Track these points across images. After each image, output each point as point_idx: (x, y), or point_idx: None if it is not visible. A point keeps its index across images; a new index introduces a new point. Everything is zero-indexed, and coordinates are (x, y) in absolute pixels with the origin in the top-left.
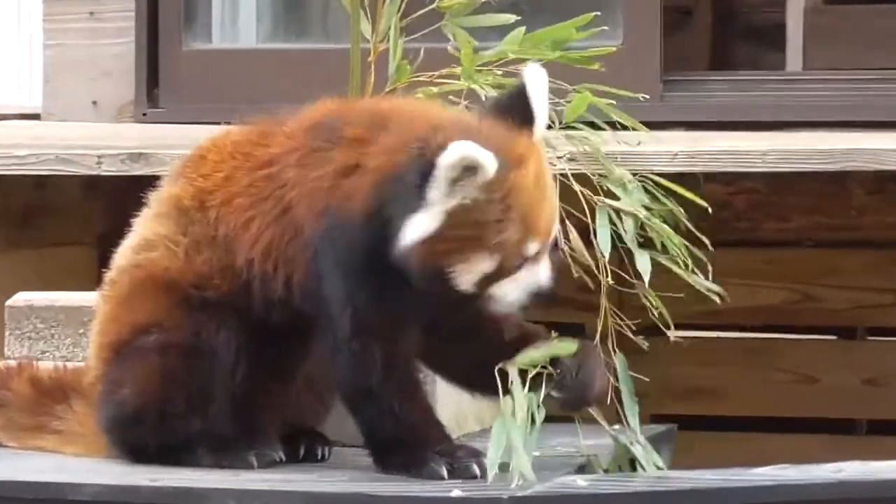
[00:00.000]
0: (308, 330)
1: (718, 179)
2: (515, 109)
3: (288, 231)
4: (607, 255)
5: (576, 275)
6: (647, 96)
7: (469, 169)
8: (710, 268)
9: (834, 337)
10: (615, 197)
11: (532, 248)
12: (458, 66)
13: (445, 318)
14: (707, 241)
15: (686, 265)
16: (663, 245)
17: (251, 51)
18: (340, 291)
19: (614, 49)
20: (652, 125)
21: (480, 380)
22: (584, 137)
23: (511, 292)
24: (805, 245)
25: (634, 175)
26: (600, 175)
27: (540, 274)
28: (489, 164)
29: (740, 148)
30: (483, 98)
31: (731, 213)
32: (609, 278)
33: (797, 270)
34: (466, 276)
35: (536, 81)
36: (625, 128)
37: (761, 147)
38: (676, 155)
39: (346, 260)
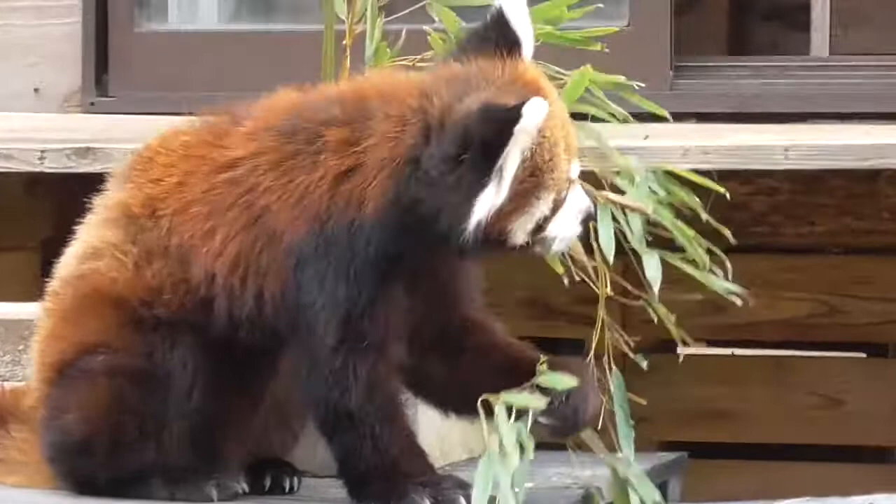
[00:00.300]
0: (277, 349)
1: (735, 178)
2: (496, 38)
3: (260, 240)
4: (611, 259)
5: (577, 279)
6: (643, 84)
7: (536, 127)
8: (729, 266)
9: (863, 354)
10: (619, 191)
11: (575, 168)
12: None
13: (438, 323)
14: (728, 233)
15: (703, 265)
16: (675, 244)
17: (212, 33)
18: (330, 299)
19: (617, 29)
20: (661, 116)
21: (463, 403)
22: (584, 123)
23: (565, 227)
24: (831, 252)
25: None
26: (603, 166)
27: (581, 197)
28: (544, 112)
29: (760, 143)
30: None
31: (750, 215)
32: (608, 288)
33: (823, 280)
34: (525, 227)
35: (515, 7)
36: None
37: (783, 142)
38: (688, 150)
39: (350, 263)
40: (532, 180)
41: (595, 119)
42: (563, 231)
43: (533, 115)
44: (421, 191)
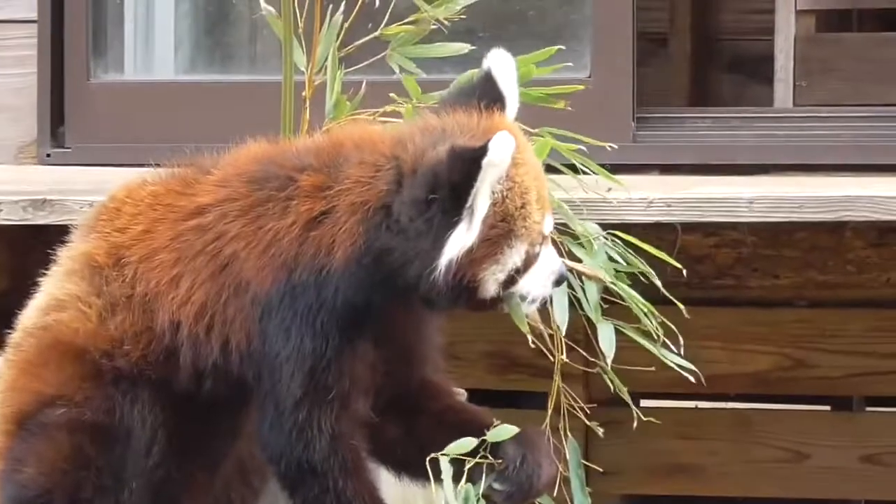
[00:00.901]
0: (240, 404)
1: (699, 230)
2: (483, 96)
3: (227, 288)
4: (564, 328)
5: (532, 345)
6: (615, 146)
7: (503, 161)
8: (681, 341)
9: (828, 408)
10: (576, 258)
11: (548, 223)
12: (404, 102)
13: (398, 383)
14: (683, 308)
15: (657, 336)
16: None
17: (169, 84)
18: (295, 350)
19: (581, 87)
20: (624, 168)
21: (418, 466)
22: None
23: (536, 285)
24: (797, 305)
25: (604, 228)
26: (561, 230)
27: (554, 257)
28: (511, 150)
29: (724, 195)
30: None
31: (714, 268)
32: (563, 354)
33: (788, 333)
34: (496, 276)
35: (502, 65)
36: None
37: (747, 194)
38: (651, 203)
39: (318, 314)
40: (503, 226)
41: (556, 171)
42: (535, 289)
43: (500, 149)
44: (391, 240)
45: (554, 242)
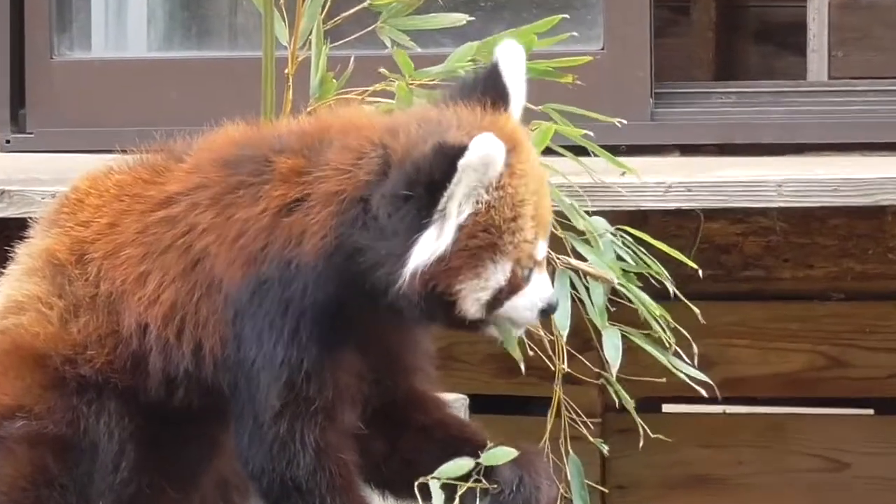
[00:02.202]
0: (218, 415)
1: (724, 217)
2: (487, 90)
3: (199, 287)
4: (565, 334)
5: (530, 353)
6: (624, 121)
7: (485, 169)
8: (696, 350)
9: (870, 411)
10: (580, 256)
11: (542, 248)
12: (396, 80)
13: (382, 394)
14: (698, 312)
15: (668, 344)
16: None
17: (141, 61)
18: (272, 356)
19: (590, 58)
20: (641, 150)
21: (403, 485)
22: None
23: (522, 309)
24: (833, 298)
25: (616, 216)
26: (564, 224)
27: (546, 285)
28: (501, 154)
29: (751, 177)
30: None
31: (741, 258)
32: (565, 362)
33: (823, 329)
34: (476, 294)
35: (511, 58)
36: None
37: (777, 176)
38: (670, 187)
39: (286, 315)
40: (485, 237)
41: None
42: (520, 315)
43: (481, 151)
44: (365, 238)
45: (554, 238)
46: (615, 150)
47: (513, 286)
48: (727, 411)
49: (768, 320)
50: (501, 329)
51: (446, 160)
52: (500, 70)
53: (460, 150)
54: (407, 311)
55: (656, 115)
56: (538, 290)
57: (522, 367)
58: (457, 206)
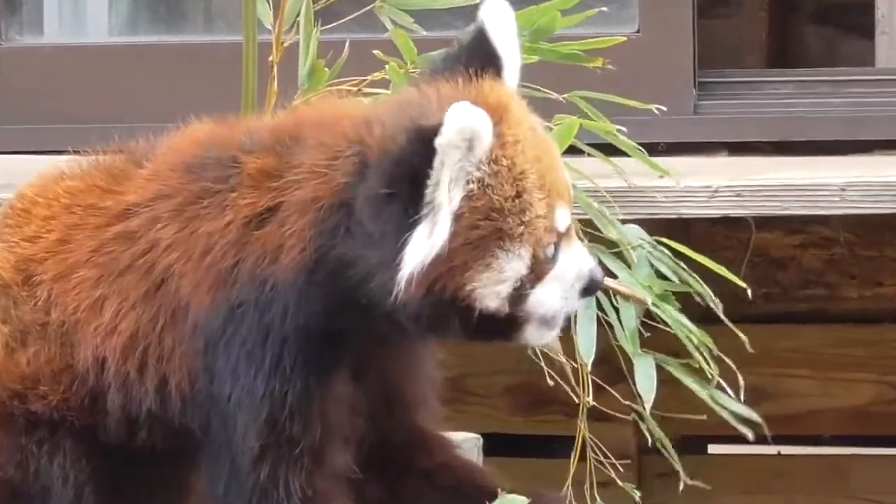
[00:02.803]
0: (189, 456)
1: (779, 226)
2: (473, 58)
3: (163, 314)
4: (590, 363)
5: (550, 383)
6: (664, 108)
7: (469, 144)
8: (742, 382)
9: None
10: (611, 273)
11: (562, 217)
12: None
13: (380, 432)
14: (746, 341)
15: (710, 375)
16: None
17: (101, 48)
18: (251, 390)
19: (623, 38)
20: (682, 148)
21: None
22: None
23: (556, 297)
24: None
25: (654, 225)
26: (590, 234)
27: (580, 256)
28: (486, 124)
29: (809, 180)
30: None
31: (799, 274)
32: (590, 396)
33: (892, 357)
34: (494, 289)
35: (498, 19)
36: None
37: (839, 179)
38: (716, 191)
39: (267, 343)
40: (488, 224)
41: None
42: (554, 305)
43: (456, 124)
44: (351, 248)
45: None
46: (653, 149)
47: (538, 272)
48: (782, 452)
49: (831, 346)
50: (537, 330)
51: (423, 144)
52: (487, 32)
53: (435, 130)
54: (412, 326)
55: (700, 109)
56: (571, 267)
57: (547, 373)
58: (446, 193)
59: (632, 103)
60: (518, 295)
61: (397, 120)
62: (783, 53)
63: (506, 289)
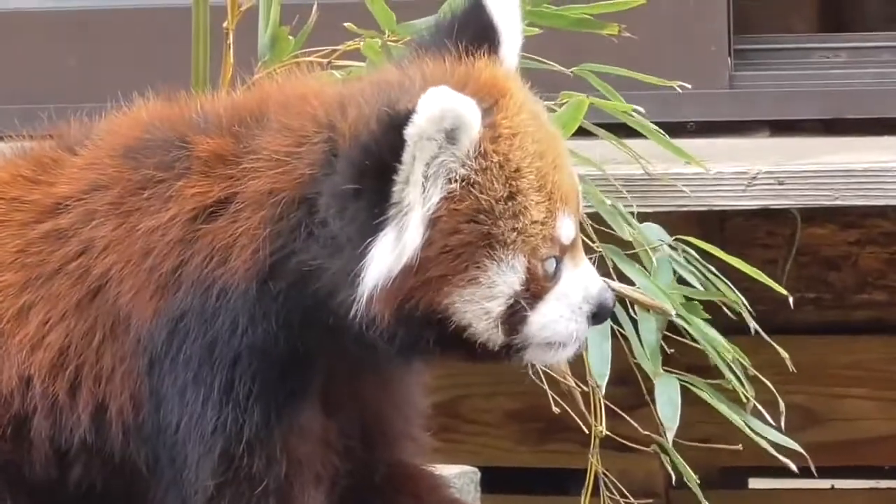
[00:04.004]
0: (134, 498)
1: (832, 219)
2: (467, 32)
3: (100, 326)
4: (604, 385)
5: (556, 410)
6: (689, 85)
7: (450, 133)
8: (783, 406)
9: None
10: (627, 279)
11: (566, 226)
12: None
13: (356, 467)
14: (787, 357)
15: (745, 397)
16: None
17: (28, 14)
18: (200, 420)
19: (644, 2)
20: (717, 127)
21: None
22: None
23: (559, 319)
24: None
25: (678, 220)
26: (601, 235)
27: (588, 275)
28: (473, 112)
29: (864, 165)
30: None
31: (855, 276)
32: (603, 424)
33: None
34: (481, 307)
35: None
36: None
37: None
38: (754, 178)
39: (214, 363)
40: (474, 228)
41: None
42: (557, 328)
43: (431, 111)
44: (313, 254)
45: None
46: (680, 129)
47: (535, 289)
48: (836, 486)
49: (893, 361)
50: (541, 350)
51: (392, 133)
52: (485, 3)
53: (406, 117)
54: (386, 349)
55: (737, 81)
56: (576, 286)
57: (552, 398)
58: (418, 192)
59: (650, 79)
60: (514, 316)
61: (374, 103)
62: (836, 15)
63: (497, 307)
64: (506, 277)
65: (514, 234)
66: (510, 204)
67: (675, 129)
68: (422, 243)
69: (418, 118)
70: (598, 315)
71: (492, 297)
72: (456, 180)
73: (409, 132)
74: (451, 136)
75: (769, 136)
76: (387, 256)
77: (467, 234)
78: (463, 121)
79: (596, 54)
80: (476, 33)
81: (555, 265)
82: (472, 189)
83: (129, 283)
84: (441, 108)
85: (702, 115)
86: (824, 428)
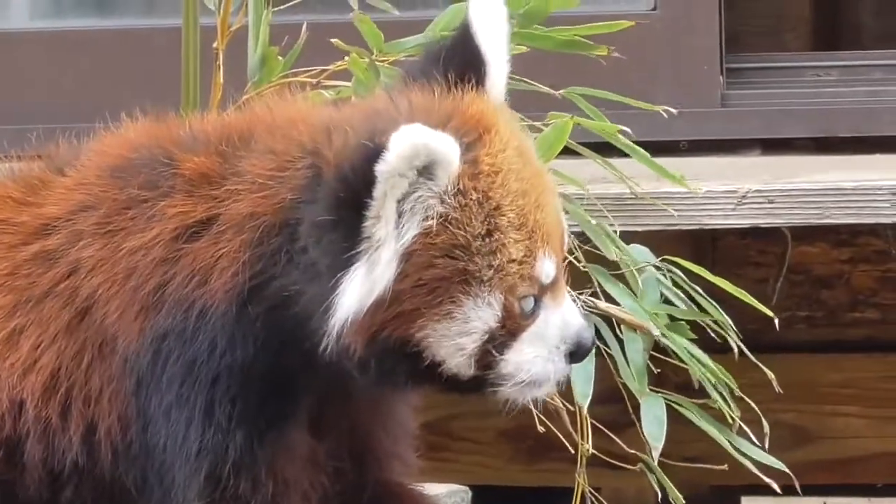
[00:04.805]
0: None
1: (824, 238)
2: (456, 61)
3: (89, 348)
4: (586, 406)
5: (541, 429)
6: (674, 111)
7: (425, 169)
8: (766, 427)
9: None
10: (609, 297)
11: (547, 266)
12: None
13: (344, 489)
14: (773, 377)
15: (731, 417)
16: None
17: (20, 34)
18: (185, 441)
19: (632, 23)
20: (708, 145)
21: None
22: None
23: (535, 359)
24: None
25: (666, 239)
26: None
27: (568, 314)
28: (450, 149)
29: (856, 184)
30: None
31: (848, 294)
32: (589, 442)
33: None
34: (455, 343)
35: (487, 15)
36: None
37: (891, 181)
38: (744, 197)
39: (195, 383)
40: (449, 264)
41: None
42: (533, 368)
43: (401, 149)
44: (294, 277)
45: (575, 273)
46: (673, 148)
47: (512, 326)
48: (828, 503)
49: (885, 379)
50: (514, 392)
51: (366, 167)
52: (473, 32)
53: (378, 153)
54: (360, 377)
55: (729, 100)
56: (554, 326)
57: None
58: (391, 227)
59: (638, 104)
60: (488, 354)
61: (360, 132)
62: (830, 33)
63: (471, 343)
64: (481, 313)
65: (491, 271)
66: (487, 241)
67: (668, 148)
68: (395, 277)
69: (389, 156)
70: (576, 354)
71: (466, 333)
72: (433, 216)
73: (380, 169)
74: (428, 173)
75: (761, 154)
76: (357, 290)
77: (442, 268)
78: (438, 157)
79: (588, 73)
80: (464, 62)
81: (532, 304)
82: (448, 225)
83: (115, 303)
84: (414, 145)
85: (694, 133)
86: (817, 445)
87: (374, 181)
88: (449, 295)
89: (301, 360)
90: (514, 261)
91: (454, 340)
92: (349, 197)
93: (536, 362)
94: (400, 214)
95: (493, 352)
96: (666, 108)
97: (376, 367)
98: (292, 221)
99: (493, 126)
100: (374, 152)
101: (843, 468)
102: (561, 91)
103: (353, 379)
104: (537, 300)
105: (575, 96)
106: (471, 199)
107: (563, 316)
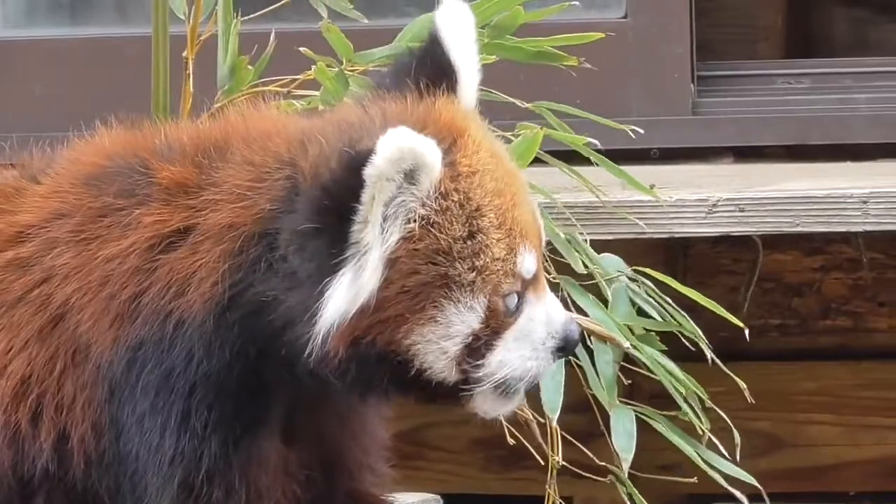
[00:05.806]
0: None
1: (795, 246)
2: (426, 70)
3: (62, 355)
4: (556, 415)
5: (511, 441)
6: (641, 130)
7: (410, 173)
8: (738, 439)
9: None
10: (579, 309)
11: (528, 261)
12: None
13: (316, 499)
14: (745, 387)
15: (701, 430)
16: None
17: None
18: (159, 450)
19: (602, 35)
20: (680, 154)
21: None
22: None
23: (519, 358)
24: None
25: (637, 247)
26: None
27: (552, 308)
28: (433, 153)
29: (827, 191)
30: None
31: (819, 302)
32: (559, 453)
33: None
34: (439, 347)
35: (455, 23)
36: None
37: (862, 189)
38: (715, 206)
39: (171, 392)
40: (432, 269)
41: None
42: (516, 364)
43: (390, 152)
44: (273, 286)
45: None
46: (644, 156)
47: (495, 326)
48: None
49: (858, 387)
50: (491, 399)
51: (352, 173)
52: (442, 41)
53: (365, 157)
54: (338, 385)
55: (700, 108)
56: (539, 323)
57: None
58: (377, 232)
59: (607, 122)
60: (471, 354)
61: (335, 142)
62: (802, 41)
63: (453, 346)
64: (464, 317)
65: (473, 273)
66: (470, 243)
67: (639, 156)
68: (379, 283)
69: (377, 159)
70: (564, 349)
71: (449, 337)
72: (415, 220)
73: (369, 172)
74: (411, 177)
75: (732, 162)
76: (344, 296)
77: (425, 274)
78: (423, 161)
79: (560, 80)
80: (434, 71)
81: (516, 300)
82: (431, 229)
83: (88, 311)
84: (400, 148)
85: (665, 141)
86: (789, 454)
87: (360, 186)
88: (431, 300)
89: (276, 368)
90: (497, 259)
91: (438, 344)
92: (334, 204)
93: (522, 361)
94: (385, 219)
95: (478, 352)
96: (633, 127)
97: (357, 374)
98: (271, 231)
99: (465, 130)
100: (358, 158)
101: (816, 476)
102: (528, 104)
103: (328, 388)
104: (520, 296)
105: (544, 110)
106: (452, 202)
107: (547, 311)
